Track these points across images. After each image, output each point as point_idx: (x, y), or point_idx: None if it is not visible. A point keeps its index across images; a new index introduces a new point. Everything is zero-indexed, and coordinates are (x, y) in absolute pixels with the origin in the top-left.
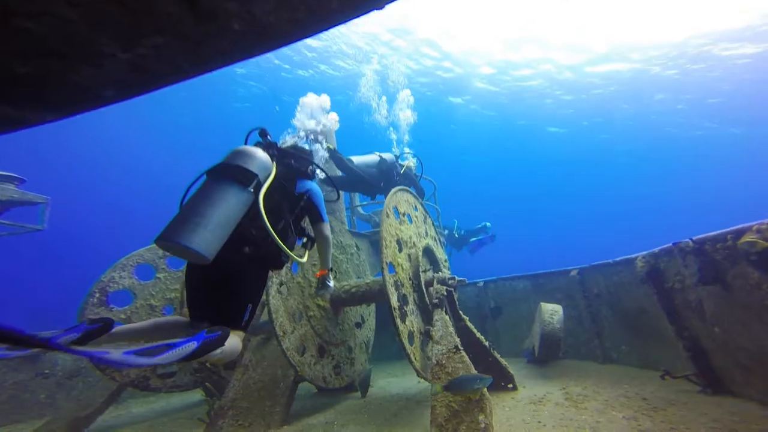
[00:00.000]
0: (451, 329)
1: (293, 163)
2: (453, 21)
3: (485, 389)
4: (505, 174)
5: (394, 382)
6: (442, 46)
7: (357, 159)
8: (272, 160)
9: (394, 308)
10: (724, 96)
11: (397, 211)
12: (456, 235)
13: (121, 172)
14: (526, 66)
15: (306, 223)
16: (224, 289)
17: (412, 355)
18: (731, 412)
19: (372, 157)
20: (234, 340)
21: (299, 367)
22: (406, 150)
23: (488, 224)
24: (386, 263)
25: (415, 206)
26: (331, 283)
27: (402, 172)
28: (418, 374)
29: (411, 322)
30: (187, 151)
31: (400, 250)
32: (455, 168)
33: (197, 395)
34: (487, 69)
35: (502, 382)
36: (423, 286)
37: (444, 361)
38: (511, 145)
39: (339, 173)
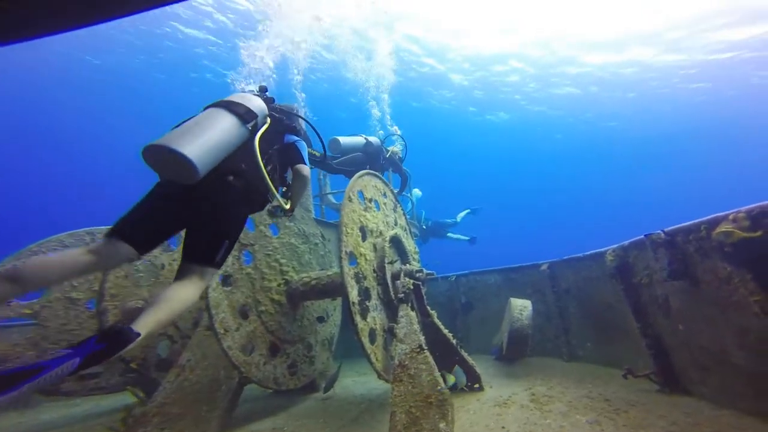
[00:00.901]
0: (416, 327)
1: (285, 119)
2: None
3: (446, 392)
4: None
5: (359, 381)
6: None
7: (343, 140)
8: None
9: (354, 303)
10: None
11: (362, 196)
12: (424, 227)
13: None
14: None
15: (288, 175)
16: (199, 216)
17: (372, 355)
18: (686, 413)
19: (358, 139)
20: (186, 292)
21: (244, 368)
22: (396, 131)
23: (459, 217)
24: (346, 253)
25: (385, 193)
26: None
27: (387, 156)
28: (379, 376)
29: (373, 319)
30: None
31: (364, 239)
32: (432, 159)
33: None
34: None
35: (469, 381)
36: (388, 279)
37: (407, 362)
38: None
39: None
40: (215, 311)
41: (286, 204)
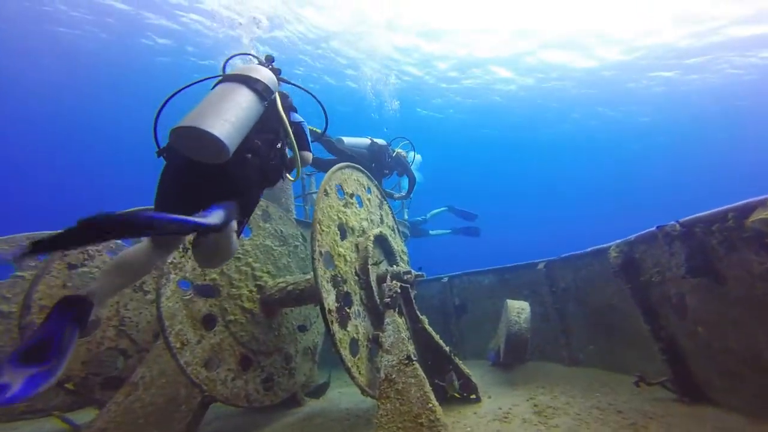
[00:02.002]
0: (404, 335)
1: (289, 95)
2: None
3: (438, 409)
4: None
5: (346, 393)
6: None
7: (348, 140)
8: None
9: (330, 311)
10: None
11: (341, 191)
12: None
13: None
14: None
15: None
16: (221, 192)
17: (354, 369)
18: (718, 427)
19: (363, 140)
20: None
21: (207, 386)
22: (404, 149)
23: (430, 215)
24: (320, 253)
25: (369, 188)
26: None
27: (394, 155)
28: (363, 391)
29: (355, 327)
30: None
31: (344, 238)
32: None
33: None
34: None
35: (465, 392)
36: (372, 283)
37: (394, 375)
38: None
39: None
40: (169, 323)
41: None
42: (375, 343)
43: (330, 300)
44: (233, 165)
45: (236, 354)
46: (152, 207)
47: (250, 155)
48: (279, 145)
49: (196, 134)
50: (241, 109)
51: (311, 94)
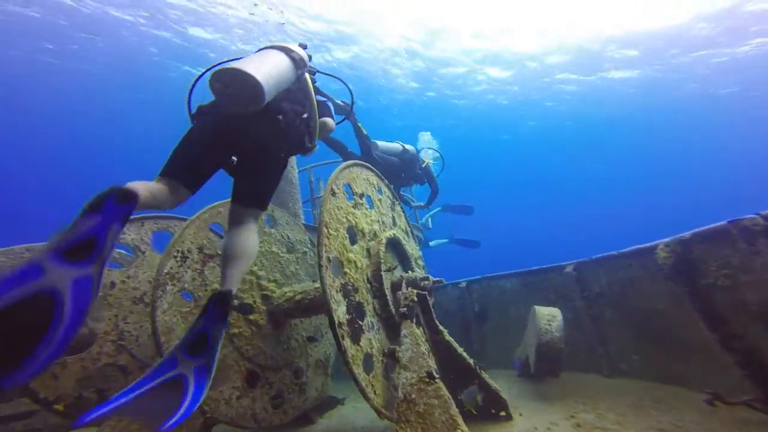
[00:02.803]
0: (424, 348)
1: (315, 79)
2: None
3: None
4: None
5: (362, 409)
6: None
7: (381, 144)
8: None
9: (341, 324)
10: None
11: (350, 191)
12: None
13: None
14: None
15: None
16: (247, 154)
17: (369, 388)
18: None
19: (395, 145)
20: (253, 237)
21: (208, 406)
22: (430, 152)
23: (427, 219)
24: (328, 259)
25: (379, 188)
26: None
27: (424, 166)
28: (379, 414)
29: (369, 341)
30: None
31: (354, 242)
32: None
33: None
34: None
35: (493, 408)
36: (387, 291)
37: (413, 395)
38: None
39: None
40: (165, 338)
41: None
42: (391, 358)
43: (340, 312)
44: (264, 121)
45: (242, 370)
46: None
47: (281, 117)
48: (305, 116)
49: (237, 75)
50: (278, 67)
51: (339, 78)
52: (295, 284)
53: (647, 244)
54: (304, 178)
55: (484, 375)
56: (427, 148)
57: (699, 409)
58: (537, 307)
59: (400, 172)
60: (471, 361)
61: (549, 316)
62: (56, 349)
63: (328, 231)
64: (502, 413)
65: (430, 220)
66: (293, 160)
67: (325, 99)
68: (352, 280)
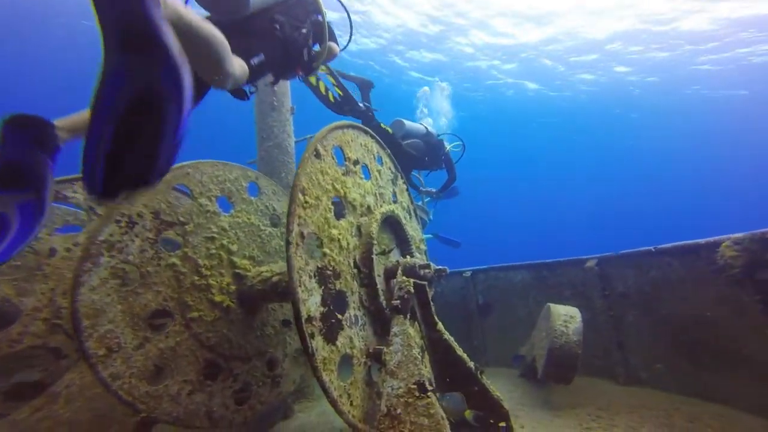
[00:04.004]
0: (417, 352)
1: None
2: None
3: None
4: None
5: None
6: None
7: (408, 123)
8: None
9: (310, 318)
10: None
11: (341, 154)
12: None
13: None
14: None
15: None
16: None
17: (343, 398)
18: None
19: (419, 127)
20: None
21: (146, 404)
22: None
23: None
24: (300, 235)
25: (380, 156)
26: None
27: (447, 151)
28: (354, 429)
29: (349, 339)
30: None
31: (341, 217)
32: None
33: None
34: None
35: (492, 419)
36: (378, 279)
37: (399, 410)
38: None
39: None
40: (90, 322)
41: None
42: (376, 361)
43: (311, 303)
44: (259, 28)
45: (199, 361)
46: None
47: (278, 26)
48: (304, 30)
49: None
50: None
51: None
52: (278, 263)
53: (696, 241)
54: (299, 150)
55: (485, 381)
56: (450, 134)
57: (745, 426)
58: (552, 305)
59: (424, 156)
60: (471, 364)
61: (566, 317)
62: None
63: (304, 199)
64: (502, 424)
65: (430, 213)
66: (290, 128)
67: (328, 20)
68: (332, 263)
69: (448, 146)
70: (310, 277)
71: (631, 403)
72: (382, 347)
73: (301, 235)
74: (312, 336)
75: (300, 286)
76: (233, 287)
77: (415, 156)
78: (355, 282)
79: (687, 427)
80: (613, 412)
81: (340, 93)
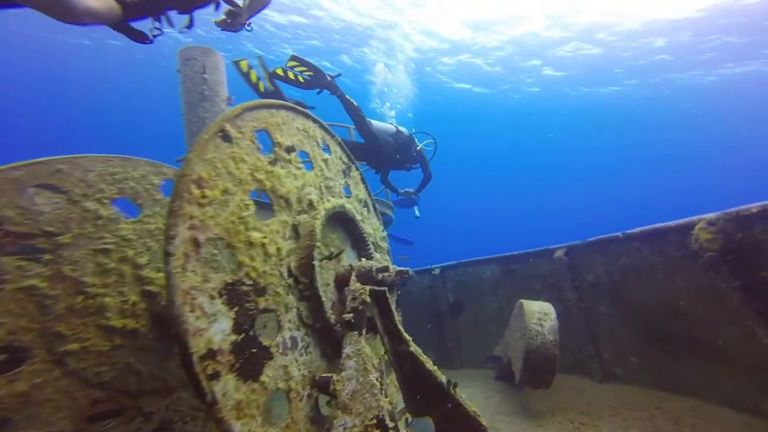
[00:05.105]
0: (375, 378)
1: None
2: None
3: None
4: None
5: None
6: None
7: (375, 123)
8: None
9: (211, 353)
10: None
11: (270, 139)
12: None
13: None
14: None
15: None
16: None
17: None
18: None
19: (389, 126)
20: None
21: None
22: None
23: None
24: (194, 243)
25: (325, 144)
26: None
27: (419, 149)
28: None
29: (282, 370)
30: None
31: (267, 217)
32: None
33: None
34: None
35: None
36: (322, 289)
37: None
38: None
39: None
40: None
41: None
42: (324, 392)
43: (215, 332)
44: None
45: (81, 403)
46: None
47: None
48: None
49: None
50: None
51: None
52: None
53: (665, 224)
54: None
55: (459, 396)
56: (421, 132)
57: (737, 427)
58: (525, 302)
59: (396, 154)
60: (442, 378)
61: (540, 314)
62: None
63: (202, 193)
64: None
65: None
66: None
67: None
68: (253, 275)
69: (419, 145)
70: (213, 297)
71: (612, 404)
72: (331, 375)
73: (195, 243)
74: (214, 377)
75: (193, 311)
76: (142, 307)
77: (387, 153)
78: (290, 296)
79: (672, 429)
80: (595, 416)
81: (310, 73)
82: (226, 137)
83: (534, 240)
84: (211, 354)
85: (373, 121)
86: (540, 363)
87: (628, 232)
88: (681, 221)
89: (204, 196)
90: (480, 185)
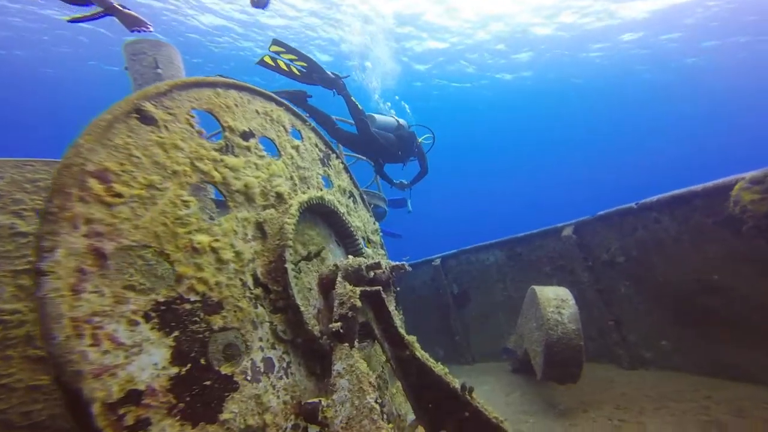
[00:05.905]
0: (373, 399)
1: None
2: None
3: None
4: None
5: None
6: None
7: (378, 117)
8: None
9: (128, 398)
10: None
11: (218, 123)
12: None
13: None
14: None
15: None
16: None
17: None
18: None
19: (390, 120)
20: None
21: None
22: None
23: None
24: (92, 254)
25: (296, 128)
26: None
27: (419, 142)
28: None
29: (253, 402)
30: None
31: (220, 214)
32: None
33: None
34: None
35: None
36: (297, 297)
37: None
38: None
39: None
40: None
41: None
42: (311, 421)
43: (141, 366)
44: None
45: None
46: None
47: None
48: None
49: None
50: None
51: None
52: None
53: (689, 189)
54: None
55: (477, 402)
56: (418, 125)
57: None
58: (537, 288)
59: (397, 149)
60: (456, 384)
61: (557, 301)
62: None
63: (108, 189)
64: None
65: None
66: None
67: None
68: (200, 290)
69: (419, 139)
70: (133, 323)
71: (650, 395)
72: (319, 399)
73: (97, 254)
74: (140, 427)
75: (96, 344)
76: None
77: (388, 148)
78: (260, 308)
79: (739, 424)
80: (635, 410)
81: (303, 65)
82: (147, 119)
83: (534, 223)
84: (131, 397)
85: (375, 116)
86: (564, 356)
87: (643, 201)
88: (707, 184)
89: (112, 193)
90: (469, 172)
